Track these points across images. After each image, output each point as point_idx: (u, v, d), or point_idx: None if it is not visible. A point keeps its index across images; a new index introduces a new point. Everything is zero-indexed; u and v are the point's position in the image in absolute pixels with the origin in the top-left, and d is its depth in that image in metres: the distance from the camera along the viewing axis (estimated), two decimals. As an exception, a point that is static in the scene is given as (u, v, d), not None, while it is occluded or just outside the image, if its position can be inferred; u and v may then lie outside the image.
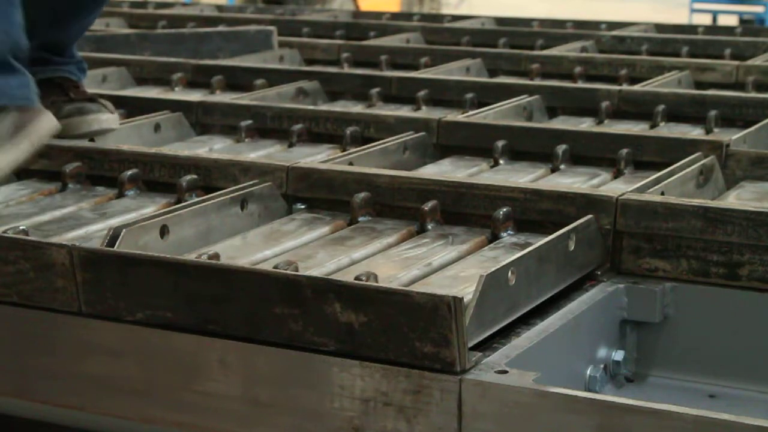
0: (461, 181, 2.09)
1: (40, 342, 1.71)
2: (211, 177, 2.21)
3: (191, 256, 1.77)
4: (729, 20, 11.65)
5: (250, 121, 2.75)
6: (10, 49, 2.13)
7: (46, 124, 2.16)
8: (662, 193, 1.98)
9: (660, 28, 4.52)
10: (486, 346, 1.57)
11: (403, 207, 2.08)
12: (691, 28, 4.70)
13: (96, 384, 1.68)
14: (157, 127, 2.71)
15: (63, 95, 2.49)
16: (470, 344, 1.51)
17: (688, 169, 2.14)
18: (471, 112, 2.85)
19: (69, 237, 1.97)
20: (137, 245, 1.76)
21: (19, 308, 1.72)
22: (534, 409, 1.42)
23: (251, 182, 2.09)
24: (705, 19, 11.51)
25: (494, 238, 1.97)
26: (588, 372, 1.73)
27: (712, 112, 2.81)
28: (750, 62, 3.56)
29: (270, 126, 2.74)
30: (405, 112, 3.00)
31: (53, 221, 2.09)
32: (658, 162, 2.32)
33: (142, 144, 2.54)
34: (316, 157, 2.50)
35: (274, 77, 3.26)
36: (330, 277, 1.53)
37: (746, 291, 1.82)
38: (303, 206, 2.16)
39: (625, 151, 2.40)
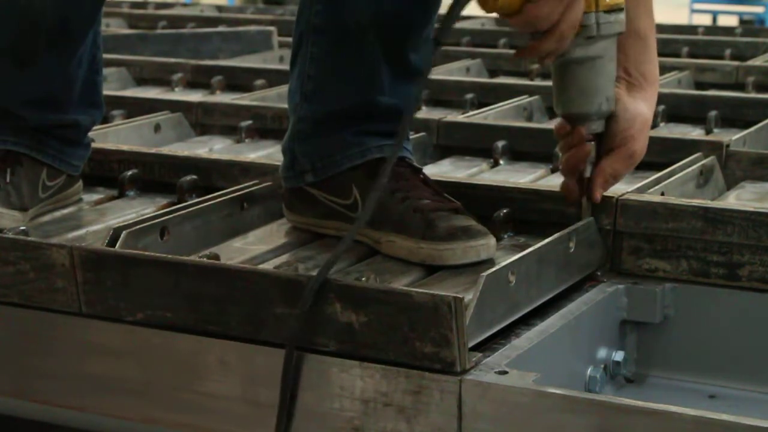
0: (461, 182, 2.08)
1: (40, 342, 1.71)
2: (211, 177, 2.21)
3: (191, 257, 1.77)
4: (729, 20, 11.63)
5: (250, 122, 2.75)
6: None
7: None
8: (662, 194, 1.98)
9: (660, 28, 4.50)
10: (486, 346, 1.57)
11: (403, 207, 2.08)
12: (691, 28, 4.69)
13: (96, 384, 1.68)
14: (157, 128, 2.70)
15: None
16: (470, 344, 1.50)
17: (688, 170, 2.14)
18: (471, 113, 2.85)
19: (69, 237, 1.97)
20: (137, 247, 1.76)
21: (19, 308, 1.72)
22: (534, 410, 1.42)
23: (251, 183, 2.09)
24: (705, 19, 11.49)
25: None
26: (588, 372, 1.73)
27: (712, 113, 2.81)
28: (750, 62, 3.56)
29: (270, 126, 2.74)
30: (405, 112, 2.99)
31: (53, 221, 2.09)
32: (658, 162, 2.32)
33: (142, 144, 2.54)
34: (316, 157, 2.49)
35: (274, 77, 3.26)
36: (330, 276, 1.52)
37: (746, 291, 1.82)
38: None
39: (625, 151, 2.40)
